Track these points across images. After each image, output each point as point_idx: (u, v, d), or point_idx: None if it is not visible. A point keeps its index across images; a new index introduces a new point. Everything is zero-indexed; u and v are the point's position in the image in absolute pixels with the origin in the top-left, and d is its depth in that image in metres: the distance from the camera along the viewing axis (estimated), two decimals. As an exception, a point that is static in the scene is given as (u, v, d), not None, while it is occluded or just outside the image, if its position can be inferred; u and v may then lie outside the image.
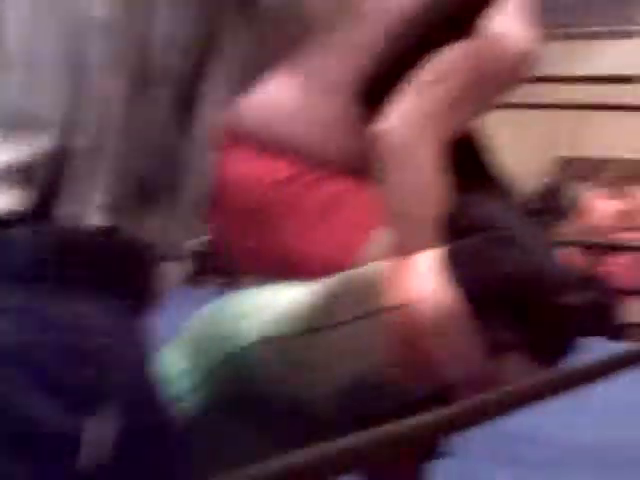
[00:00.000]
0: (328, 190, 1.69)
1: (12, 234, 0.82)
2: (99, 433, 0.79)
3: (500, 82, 1.66)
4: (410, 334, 1.44)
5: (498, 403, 1.34)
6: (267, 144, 1.69)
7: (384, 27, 1.66)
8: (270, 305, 1.52)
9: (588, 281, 1.55)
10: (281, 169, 1.69)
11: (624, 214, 8.23)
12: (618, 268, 7.16)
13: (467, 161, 1.72)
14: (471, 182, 1.69)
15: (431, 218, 1.55)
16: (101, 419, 0.80)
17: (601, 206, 8.27)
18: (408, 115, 1.58)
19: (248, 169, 1.69)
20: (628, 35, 9.79)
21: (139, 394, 0.85)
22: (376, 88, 1.64)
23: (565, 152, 9.64)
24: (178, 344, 1.59)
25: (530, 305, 1.43)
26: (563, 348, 1.48)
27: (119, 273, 0.87)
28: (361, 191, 1.69)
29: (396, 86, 1.61)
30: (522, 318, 1.43)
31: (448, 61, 1.60)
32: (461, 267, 1.45)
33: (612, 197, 8.33)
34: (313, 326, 1.47)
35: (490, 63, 1.61)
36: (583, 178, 9.17)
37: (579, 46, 9.51)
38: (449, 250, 1.48)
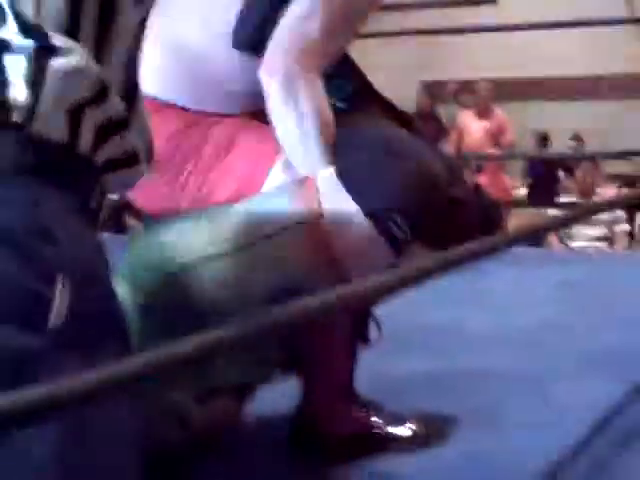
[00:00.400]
0: (223, 133, 1.75)
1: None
2: (59, 299, 0.96)
3: (361, 8, 1.77)
4: (322, 243, 1.63)
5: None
6: (156, 101, 1.72)
7: None
8: (198, 230, 1.67)
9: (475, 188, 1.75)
10: (173, 121, 1.74)
11: (491, 132, 8.51)
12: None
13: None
14: (356, 102, 1.82)
15: (324, 140, 1.68)
16: (60, 287, 0.97)
17: (472, 125, 8.52)
18: (287, 53, 1.67)
19: None
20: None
21: (90, 270, 1.03)
22: (253, 32, 1.71)
23: (430, 76, 9.82)
24: (118, 272, 1.68)
25: (420, 203, 1.65)
26: (457, 237, 1.64)
27: (78, 180, 1.06)
28: (256, 126, 1.77)
29: (272, 26, 1.69)
30: (419, 215, 1.65)
31: None
32: (355, 181, 1.64)
33: (480, 117, 8.58)
34: (239, 244, 1.64)
35: None
36: (450, 100, 9.39)
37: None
38: (344, 165, 1.66)
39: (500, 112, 8.68)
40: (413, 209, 1.64)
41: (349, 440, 1.89)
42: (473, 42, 9.08)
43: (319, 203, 1.63)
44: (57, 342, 0.96)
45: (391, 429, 1.91)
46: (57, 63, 1.02)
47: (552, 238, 6.20)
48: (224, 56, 1.74)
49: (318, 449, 1.89)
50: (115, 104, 1.09)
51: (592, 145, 8.61)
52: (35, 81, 1.02)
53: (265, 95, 1.68)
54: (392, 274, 1.49)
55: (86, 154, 1.06)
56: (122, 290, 1.65)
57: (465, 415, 2.02)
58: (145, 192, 1.82)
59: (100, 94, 1.07)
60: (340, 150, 1.69)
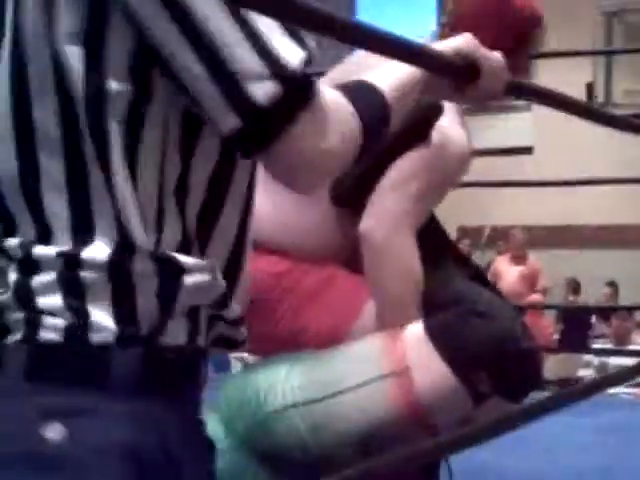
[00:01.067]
0: (318, 276, 1.95)
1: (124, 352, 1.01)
2: None
3: (451, 176, 1.98)
4: (408, 397, 1.76)
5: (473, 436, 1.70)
6: (259, 246, 1.94)
7: None
8: (291, 376, 1.82)
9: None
10: (276, 263, 1.94)
11: (526, 277, 8.69)
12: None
13: (432, 241, 2.01)
14: (437, 259, 1.99)
15: (413, 297, 1.86)
16: None
17: (507, 271, 8.71)
18: (384, 214, 1.87)
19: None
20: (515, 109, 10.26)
21: None
22: (351, 192, 1.93)
23: (467, 222, 10.04)
24: (213, 411, 1.85)
25: (502, 359, 1.77)
26: (529, 387, 1.82)
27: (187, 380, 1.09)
28: (348, 274, 1.97)
29: (371, 188, 1.90)
30: (496, 369, 1.77)
31: (411, 165, 1.90)
32: (443, 337, 1.78)
33: (515, 262, 8.78)
34: (327, 393, 1.79)
35: (442, 162, 1.92)
36: (487, 245, 9.62)
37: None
38: (431, 323, 1.81)
39: (534, 258, 8.88)
40: (495, 365, 1.76)
41: None
42: (508, 190, 9.33)
43: (407, 356, 1.77)
44: None
45: None
46: (188, 281, 1.02)
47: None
48: (322, 211, 1.95)
49: None
50: (233, 310, 1.11)
51: (625, 292, 8.74)
52: (167, 299, 1.02)
53: (363, 250, 1.86)
54: (471, 428, 1.66)
55: (199, 351, 1.09)
56: (214, 425, 1.81)
57: None
58: None
59: (222, 304, 1.09)
60: (428, 307, 1.84)
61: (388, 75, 1.27)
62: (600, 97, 9.55)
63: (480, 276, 2.04)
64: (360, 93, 1.16)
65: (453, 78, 1.43)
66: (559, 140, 9.77)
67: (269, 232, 1.96)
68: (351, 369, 1.80)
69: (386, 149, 1.89)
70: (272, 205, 1.96)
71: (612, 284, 8.93)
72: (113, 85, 0.98)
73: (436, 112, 1.90)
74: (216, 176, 1.06)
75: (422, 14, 10.58)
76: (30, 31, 1.00)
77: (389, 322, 1.85)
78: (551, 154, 9.87)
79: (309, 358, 1.86)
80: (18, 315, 1.02)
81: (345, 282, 1.96)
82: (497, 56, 1.44)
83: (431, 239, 1.99)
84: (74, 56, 0.98)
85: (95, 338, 1.00)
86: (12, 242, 1.03)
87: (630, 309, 6.88)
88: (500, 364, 1.77)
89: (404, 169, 1.90)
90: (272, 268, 1.94)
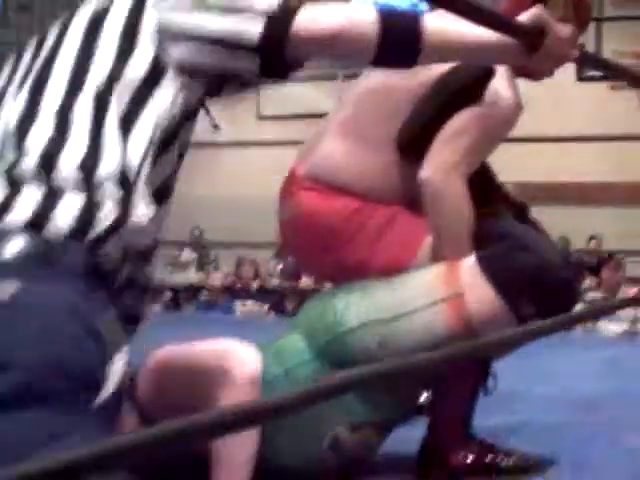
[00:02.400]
0: (384, 214, 2.24)
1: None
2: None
3: (500, 132, 2.25)
4: (462, 318, 2.05)
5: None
6: (334, 187, 2.22)
7: (415, 97, 2.22)
8: (363, 300, 2.12)
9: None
10: (349, 203, 2.22)
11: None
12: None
13: (483, 186, 2.29)
14: (487, 200, 2.28)
15: (465, 233, 2.14)
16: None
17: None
18: (440, 164, 2.14)
19: (322, 205, 2.22)
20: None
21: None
22: (414, 141, 2.21)
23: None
24: (294, 327, 2.13)
25: (544, 286, 2.05)
26: (567, 311, 2.07)
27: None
28: (409, 213, 2.26)
29: (430, 139, 2.18)
30: (538, 295, 2.05)
31: (465, 120, 2.18)
32: (493, 267, 2.07)
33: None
34: (394, 314, 2.09)
35: (492, 119, 2.19)
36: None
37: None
38: (483, 255, 2.10)
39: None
40: (537, 292, 2.04)
41: (467, 468, 2.33)
42: (500, 148, 9.56)
43: (462, 283, 2.06)
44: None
45: (500, 461, 2.36)
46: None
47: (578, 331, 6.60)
48: (388, 158, 2.23)
49: (441, 474, 2.32)
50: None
51: (609, 246, 8.97)
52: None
53: (423, 194, 2.16)
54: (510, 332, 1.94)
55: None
56: (296, 339, 2.15)
57: (551, 455, 2.46)
58: (315, 260, 2.30)
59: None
60: (479, 242, 2.12)
61: (464, 27, 1.59)
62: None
63: (524, 215, 2.31)
64: (396, 14, 1.58)
65: (522, 39, 1.68)
66: (542, 97, 9.93)
67: (343, 175, 2.24)
68: (414, 293, 2.09)
69: (444, 106, 2.19)
70: (346, 152, 2.24)
71: (595, 237, 9.16)
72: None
73: (488, 74, 2.17)
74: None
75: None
76: None
77: (445, 255, 2.14)
78: (532, 111, 10.02)
79: (379, 284, 2.15)
80: None
81: (407, 221, 2.24)
82: (565, 28, 1.69)
83: (482, 184, 2.28)
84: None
85: (53, 229, 1.24)
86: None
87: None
88: (542, 291, 2.05)
89: (458, 125, 2.17)
90: (347, 207, 2.22)
